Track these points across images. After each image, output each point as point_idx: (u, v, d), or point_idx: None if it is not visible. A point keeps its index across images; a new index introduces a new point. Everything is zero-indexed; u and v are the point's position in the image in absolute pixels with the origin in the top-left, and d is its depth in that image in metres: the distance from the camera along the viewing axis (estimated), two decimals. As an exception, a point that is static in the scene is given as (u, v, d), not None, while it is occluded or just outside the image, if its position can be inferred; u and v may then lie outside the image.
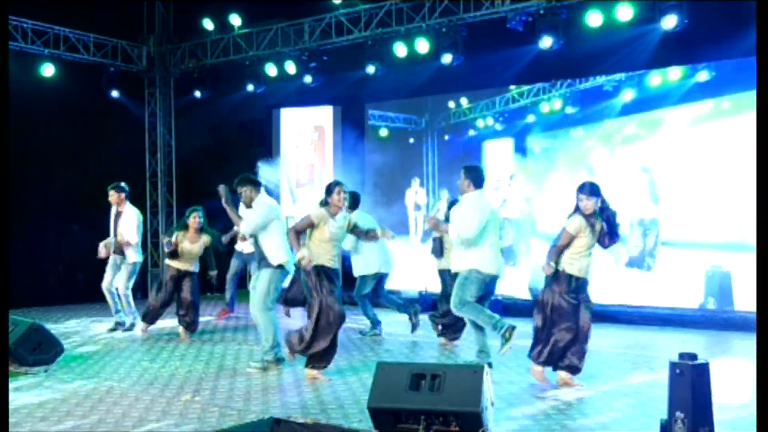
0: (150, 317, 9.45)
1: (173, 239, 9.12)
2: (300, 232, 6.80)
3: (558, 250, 6.48)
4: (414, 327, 9.07)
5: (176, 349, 8.50)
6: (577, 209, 6.51)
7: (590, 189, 6.46)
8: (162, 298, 9.28)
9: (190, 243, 9.15)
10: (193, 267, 9.28)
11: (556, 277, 6.49)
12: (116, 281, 9.65)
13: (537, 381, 6.58)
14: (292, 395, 6.28)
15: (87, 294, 12.51)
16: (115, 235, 9.58)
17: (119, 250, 9.56)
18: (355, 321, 9.59)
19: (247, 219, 7.26)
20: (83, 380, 6.88)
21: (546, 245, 6.79)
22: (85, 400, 6.14)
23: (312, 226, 6.80)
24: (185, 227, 9.23)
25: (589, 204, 6.43)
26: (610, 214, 6.52)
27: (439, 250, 8.64)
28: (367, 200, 10.36)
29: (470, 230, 6.82)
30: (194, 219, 9.19)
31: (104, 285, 9.74)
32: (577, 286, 6.46)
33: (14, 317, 7.72)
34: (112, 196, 9.64)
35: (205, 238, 9.24)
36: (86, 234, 10.37)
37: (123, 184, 9.76)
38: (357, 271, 9.14)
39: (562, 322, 6.45)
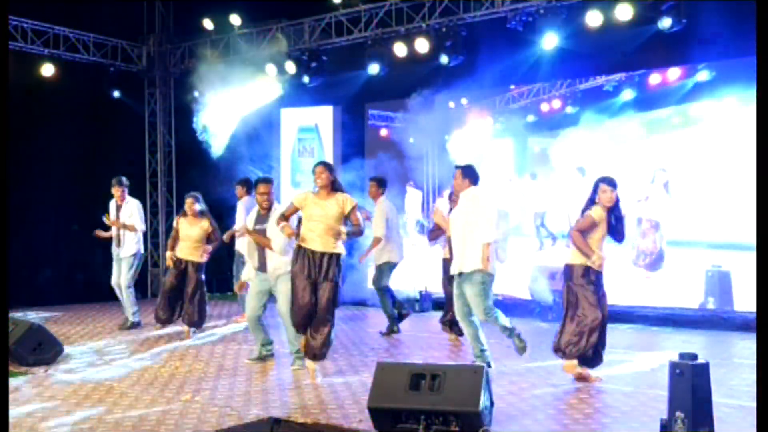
0: (161, 316, 9.30)
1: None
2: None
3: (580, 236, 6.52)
4: (394, 328, 9.12)
5: (176, 349, 8.49)
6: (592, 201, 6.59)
7: (611, 181, 6.55)
8: (165, 293, 9.19)
9: (189, 226, 9.09)
10: (195, 257, 9.12)
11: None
12: (120, 277, 9.67)
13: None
14: (292, 395, 6.28)
15: (87, 294, 12.52)
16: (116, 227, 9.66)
17: (119, 242, 9.61)
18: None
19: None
20: (83, 380, 6.88)
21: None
22: (85, 400, 6.14)
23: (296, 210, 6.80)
24: (184, 213, 9.21)
25: (612, 196, 6.48)
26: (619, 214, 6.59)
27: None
28: (367, 200, 10.34)
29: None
30: (189, 204, 9.11)
31: (113, 281, 9.77)
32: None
33: (14, 317, 7.73)
34: (117, 191, 9.69)
35: (204, 224, 9.12)
36: (86, 234, 10.36)
37: (123, 178, 9.84)
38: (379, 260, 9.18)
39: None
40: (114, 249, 9.75)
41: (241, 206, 10.04)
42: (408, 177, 12.82)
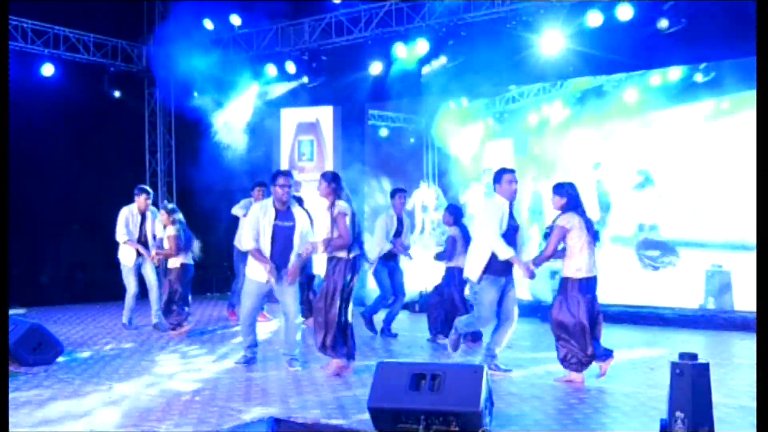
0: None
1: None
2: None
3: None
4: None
5: (176, 349, 8.50)
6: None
7: (553, 188, 6.86)
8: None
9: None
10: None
11: None
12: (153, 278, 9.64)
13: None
14: (292, 395, 6.28)
15: (87, 294, 12.52)
16: (149, 238, 9.55)
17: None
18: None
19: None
20: (83, 380, 6.88)
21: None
22: (85, 400, 6.14)
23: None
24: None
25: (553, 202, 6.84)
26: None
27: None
28: (367, 200, 10.36)
29: None
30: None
31: (133, 293, 9.65)
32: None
33: (14, 317, 7.73)
34: (144, 199, 9.59)
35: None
36: (86, 234, 10.35)
37: (149, 187, 9.88)
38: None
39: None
40: (135, 259, 9.58)
41: None
42: (407, 177, 12.84)
